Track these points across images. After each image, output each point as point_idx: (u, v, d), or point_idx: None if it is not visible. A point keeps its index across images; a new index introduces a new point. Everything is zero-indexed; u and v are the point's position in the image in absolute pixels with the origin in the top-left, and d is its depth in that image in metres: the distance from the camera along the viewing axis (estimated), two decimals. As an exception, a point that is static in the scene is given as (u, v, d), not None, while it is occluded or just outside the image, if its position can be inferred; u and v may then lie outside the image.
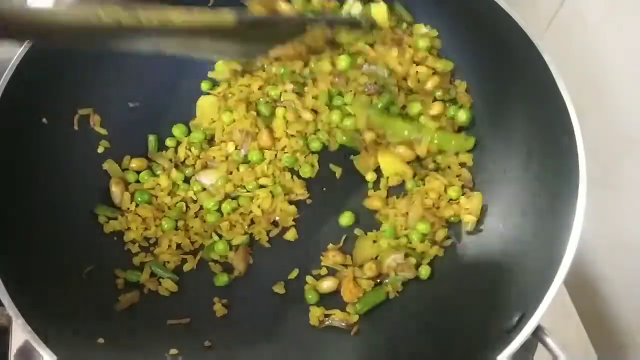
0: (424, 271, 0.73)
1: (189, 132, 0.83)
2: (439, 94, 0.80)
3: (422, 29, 0.82)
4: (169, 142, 0.82)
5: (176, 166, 0.81)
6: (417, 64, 0.81)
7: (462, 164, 0.78)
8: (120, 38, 0.54)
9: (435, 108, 0.79)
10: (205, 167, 0.81)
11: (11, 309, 0.57)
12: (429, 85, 0.80)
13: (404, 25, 0.82)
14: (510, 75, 0.74)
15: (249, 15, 0.68)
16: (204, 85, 0.85)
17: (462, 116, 0.79)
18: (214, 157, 0.81)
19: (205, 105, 0.83)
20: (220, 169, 0.80)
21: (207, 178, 0.80)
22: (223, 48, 0.62)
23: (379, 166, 0.80)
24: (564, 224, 0.60)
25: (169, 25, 0.54)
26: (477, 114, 0.80)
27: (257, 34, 0.63)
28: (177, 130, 0.82)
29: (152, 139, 0.82)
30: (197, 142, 0.81)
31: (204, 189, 0.79)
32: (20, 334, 0.57)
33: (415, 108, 0.79)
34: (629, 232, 0.82)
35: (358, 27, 0.72)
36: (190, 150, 0.81)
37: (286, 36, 0.65)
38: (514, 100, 0.75)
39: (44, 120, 0.73)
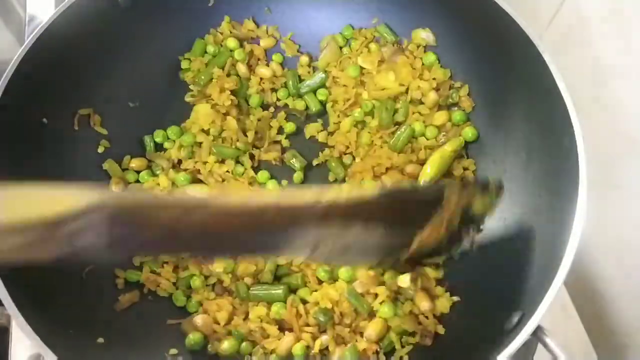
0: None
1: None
2: (440, 100, 0.80)
3: (421, 33, 0.82)
4: (164, 142, 0.82)
5: (174, 166, 0.80)
6: (419, 77, 0.81)
7: (465, 169, 0.78)
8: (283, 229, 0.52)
9: (438, 118, 0.79)
10: (195, 180, 0.79)
11: (11, 309, 0.57)
12: (432, 96, 0.79)
13: (395, 44, 0.82)
14: (510, 75, 0.74)
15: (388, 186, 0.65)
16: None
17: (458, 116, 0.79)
18: (199, 170, 0.80)
19: (200, 111, 0.81)
20: (210, 185, 0.78)
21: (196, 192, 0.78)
22: (371, 243, 0.56)
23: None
24: (564, 224, 0.59)
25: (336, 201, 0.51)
26: (477, 114, 0.80)
27: (399, 213, 0.57)
28: (171, 131, 0.82)
29: (148, 139, 0.82)
30: (186, 145, 0.80)
31: None
32: (20, 333, 0.57)
33: (417, 127, 0.79)
34: (629, 232, 0.82)
35: (487, 189, 0.62)
36: (179, 151, 0.80)
37: (428, 211, 0.57)
38: (514, 100, 0.75)
39: (44, 120, 0.73)
